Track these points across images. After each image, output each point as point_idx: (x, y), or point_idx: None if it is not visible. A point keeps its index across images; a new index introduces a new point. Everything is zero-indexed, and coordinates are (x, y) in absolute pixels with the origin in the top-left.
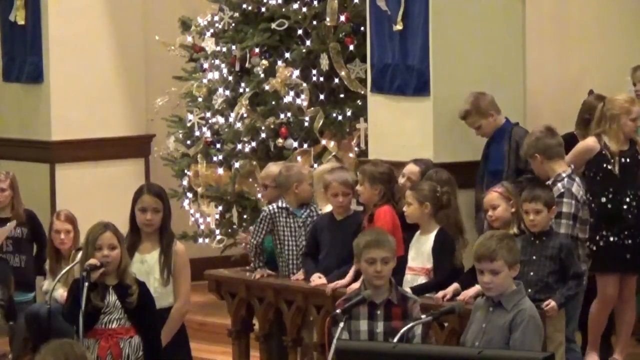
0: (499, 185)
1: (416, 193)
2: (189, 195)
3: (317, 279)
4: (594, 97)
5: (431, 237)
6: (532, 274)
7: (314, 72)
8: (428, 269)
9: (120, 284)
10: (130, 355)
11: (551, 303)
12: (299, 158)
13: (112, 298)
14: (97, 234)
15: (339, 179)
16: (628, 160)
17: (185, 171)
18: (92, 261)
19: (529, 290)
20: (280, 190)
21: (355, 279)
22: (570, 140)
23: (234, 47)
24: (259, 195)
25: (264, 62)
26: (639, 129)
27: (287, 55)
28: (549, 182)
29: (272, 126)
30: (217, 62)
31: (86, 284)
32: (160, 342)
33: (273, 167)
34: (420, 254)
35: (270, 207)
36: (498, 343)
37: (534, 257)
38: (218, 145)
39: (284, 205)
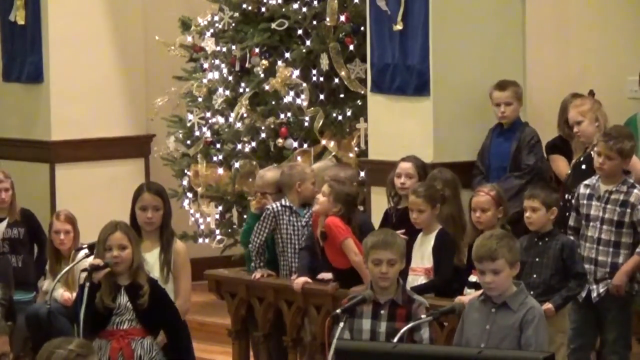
0: (490, 187)
1: (428, 198)
2: (189, 195)
3: (301, 281)
4: (570, 96)
5: (432, 237)
6: (535, 276)
7: (314, 72)
8: (428, 269)
9: (132, 284)
10: (143, 356)
11: (548, 306)
12: (299, 158)
13: (123, 299)
14: (106, 234)
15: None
16: (583, 167)
17: (185, 171)
18: (95, 261)
19: (531, 292)
20: (283, 189)
21: None
22: (561, 144)
23: (234, 47)
24: (255, 200)
25: (264, 62)
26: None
27: (287, 55)
28: (622, 186)
29: (272, 126)
30: (217, 62)
31: (87, 284)
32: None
33: (269, 174)
34: (422, 254)
35: (274, 206)
36: (512, 343)
37: (537, 259)
38: (218, 145)
39: (287, 204)
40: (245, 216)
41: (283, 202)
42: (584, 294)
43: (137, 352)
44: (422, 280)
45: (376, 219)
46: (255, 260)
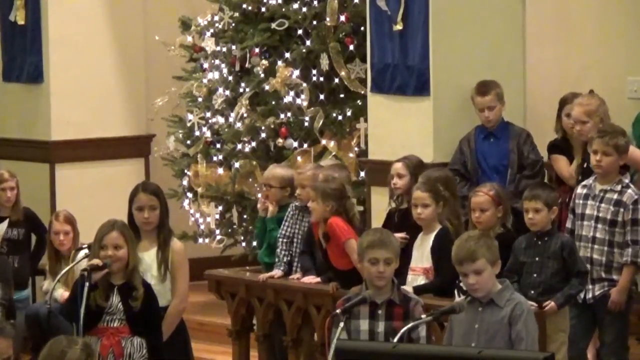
0: (490, 186)
1: (433, 193)
2: (189, 195)
3: (312, 279)
4: (570, 95)
5: (432, 237)
6: (535, 275)
7: (314, 72)
8: (427, 269)
9: (126, 284)
10: (133, 354)
11: (550, 304)
12: (299, 158)
13: (115, 299)
14: (103, 232)
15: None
16: (586, 165)
17: (185, 171)
18: (95, 261)
19: (532, 292)
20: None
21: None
22: (561, 144)
23: (234, 47)
24: (259, 196)
25: (264, 62)
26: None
27: (287, 55)
28: (617, 186)
29: (272, 126)
30: (217, 62)
31: (87, 284)
32: (161, 346)
33: (279, 169)
34: (421, 254)
35: (298, 204)
36: (502, 339)
37: (537, 259)
38: (218, 145)
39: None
40: (245, 216)
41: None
42: (582, 295)
43: (127, 350)
44: (421, 279)
45: (376, 219)
46: (279, 255)
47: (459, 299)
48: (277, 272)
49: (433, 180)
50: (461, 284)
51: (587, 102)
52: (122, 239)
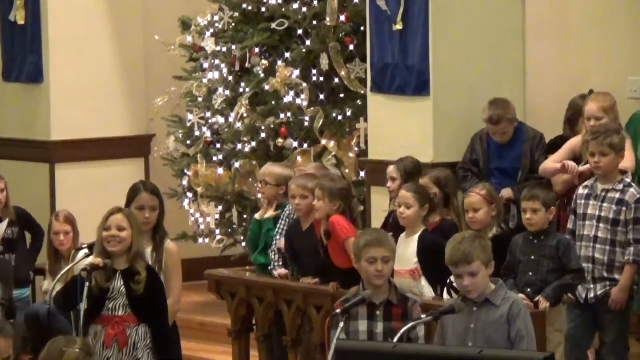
0: (481, 186)
1: (418, 195)
2: (189, 195)
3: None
4: (579, 96)
5: (415, 239)
6: (531, 274)
7: (314, 72)
8: (412, 270)
9: (129, 269)
10: (138, 343)
11: (539, 299)
12: (299, 158)
13: (118, 284)
14: (108, 214)
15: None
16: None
17: (185, 171)
18: (96, 261)
19: (528, 290)
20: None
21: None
22: (562, 144)
23: (234, 47)
24: (259, 196)
25: (264, 62)
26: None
27: (287, 55)
28: (619, 185)
29: (272, 126)
30: (217, 62)
31: (87, 284)
32: (166, 332)
33: (277, 167)
34: (404, 255)
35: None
36: (501, 338)
37: (533, 257)
38: (218, 145)
39: None
40: (245, 216)
41: None
42: (583, 295)
43: (132, 339)
44: (408, 282)
45: (376, 219)
46: (276, 252)
47: (450, 298)
48: (284, 270)
49: (443, 179)
50: (454, 284)
51: (603, 98)
52: (126, 222)
